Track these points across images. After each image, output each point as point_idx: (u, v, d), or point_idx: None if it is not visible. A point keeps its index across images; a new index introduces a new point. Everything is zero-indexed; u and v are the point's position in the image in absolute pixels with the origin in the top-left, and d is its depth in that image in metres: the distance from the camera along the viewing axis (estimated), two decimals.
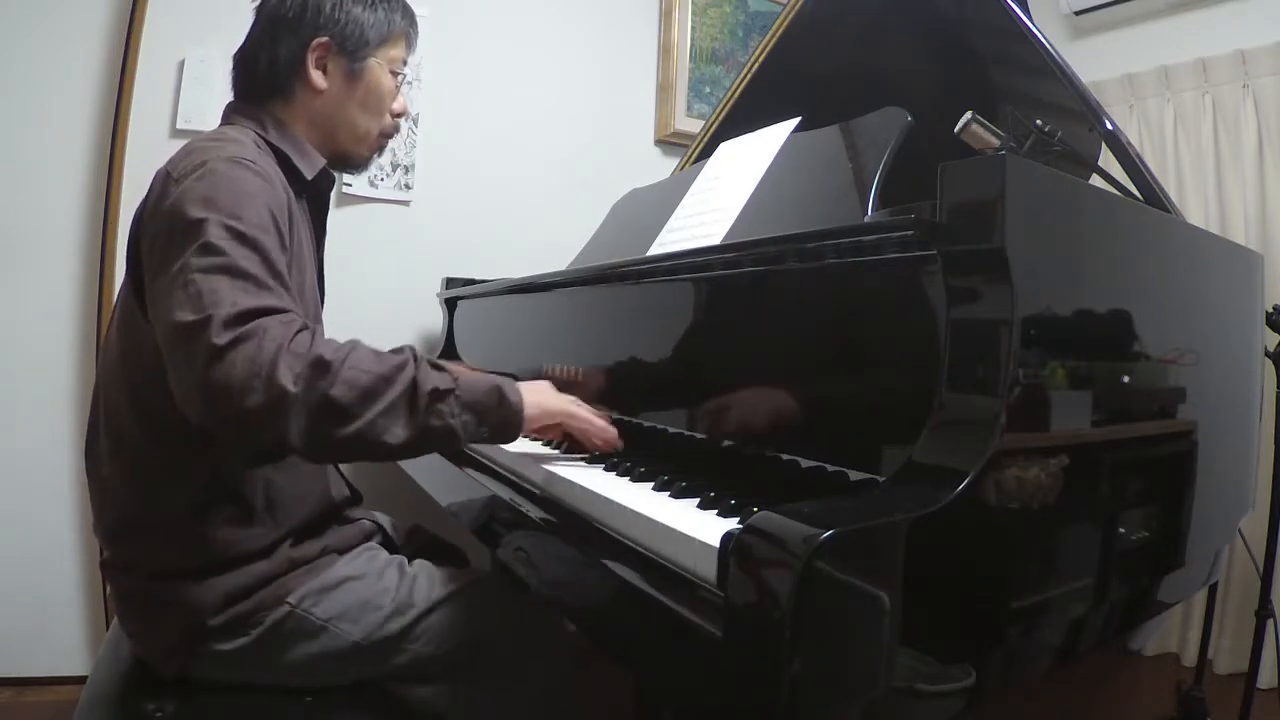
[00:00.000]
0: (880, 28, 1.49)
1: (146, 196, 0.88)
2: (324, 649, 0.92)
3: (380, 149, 1.09)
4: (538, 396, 0.92)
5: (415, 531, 1.30)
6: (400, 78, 1.06)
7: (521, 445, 1.19)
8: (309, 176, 0.99)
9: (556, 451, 1.13)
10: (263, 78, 0.99)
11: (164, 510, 0.89)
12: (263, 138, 0.96)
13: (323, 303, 1.10)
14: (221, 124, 1.00)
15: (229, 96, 1.03)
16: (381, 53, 1.02)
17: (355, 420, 0.74)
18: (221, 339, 0.70)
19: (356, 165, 1.09)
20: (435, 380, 0.80)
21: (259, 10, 1.01)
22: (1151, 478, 0.86)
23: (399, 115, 1.08)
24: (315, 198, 1.07)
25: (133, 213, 0.90)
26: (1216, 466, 1.00)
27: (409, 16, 1.06)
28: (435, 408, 0.79)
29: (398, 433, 0.76)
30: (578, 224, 1.86)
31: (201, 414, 0.72)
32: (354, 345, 0.78)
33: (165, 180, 0.84)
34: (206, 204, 0.79)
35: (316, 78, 0.98)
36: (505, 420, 0.86)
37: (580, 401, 1.01)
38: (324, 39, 0.98)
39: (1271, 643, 1.46)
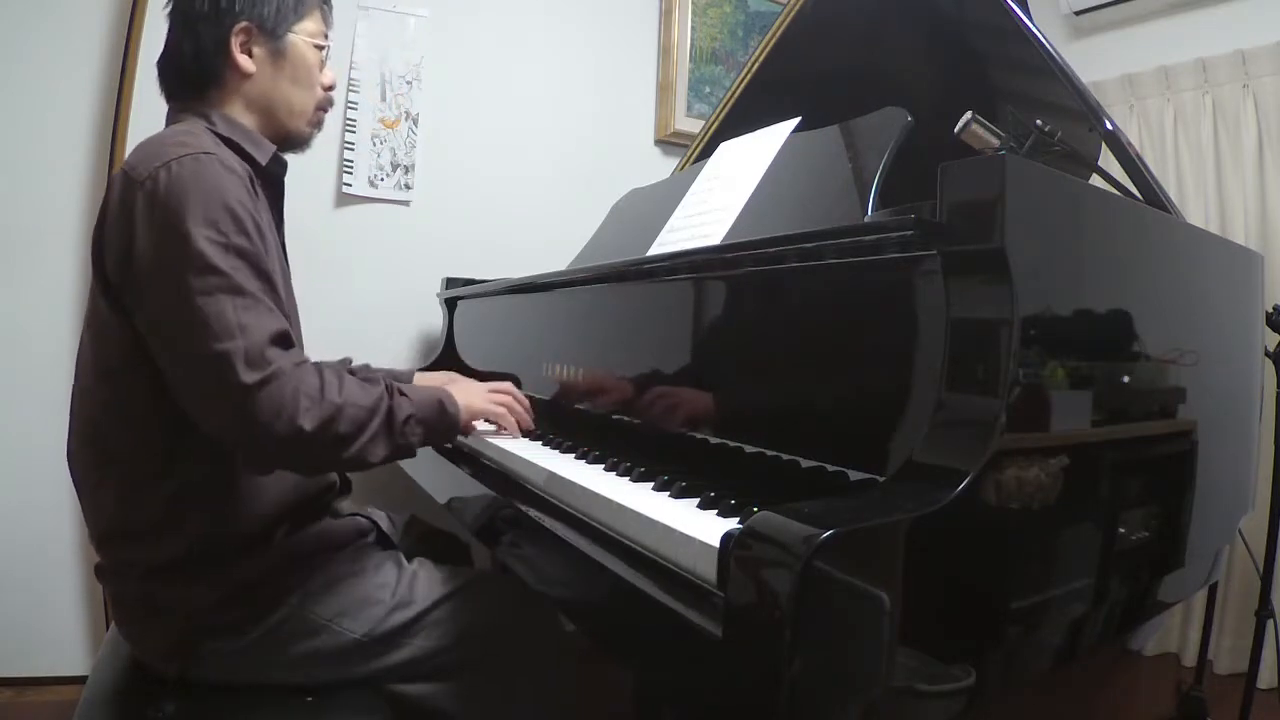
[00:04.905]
0: (880, 28, 1.49)
1: (106, 198, 0.88)
2: (325, 647, 0.93)
3: (319, 124, 1.10)
4: (466, 399, 1.05)
5: (413, 524, 1.30)
6: (324, 50, 1.08)
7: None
8: (263, 163, 1.00)
9: (553, 451, 1.12)
10: (191, 73, 1.00)
11: (146, 510, 0.89)
12: (212, 130, 0.96)
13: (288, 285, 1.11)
14: (167, 125, 1.00)
15: None
16: (300, 28, 1.03)
17: (351, 447, 0.87)
18: (249, 378, 0.79)
19: (299, 143, 1.09)
20: (405, 406, 0.93)
21: (171, 14, 1.01)
22: (1151, 478, 0.86)
23: (330, 88, 1.10)
24: (270, 184, 1.07)
25: None
26: (1216, 466, 1.00)
27: None
28: (404, 429, 0.92)
29: (378, 453, 0.90)
30: (578, 224, 1.86)
31: (227, 440, 0.84)
32: (344, 380, 0.88)
33: (125, 183, 0.85)
34: (183, 213, 0.81)
35: (244, 62, 0.99)
36: (447, 428, 1.00)
37: (499, 387, 1.18)
38: (245, 23, 0.98)
39: (1271, 643, 1.46)
